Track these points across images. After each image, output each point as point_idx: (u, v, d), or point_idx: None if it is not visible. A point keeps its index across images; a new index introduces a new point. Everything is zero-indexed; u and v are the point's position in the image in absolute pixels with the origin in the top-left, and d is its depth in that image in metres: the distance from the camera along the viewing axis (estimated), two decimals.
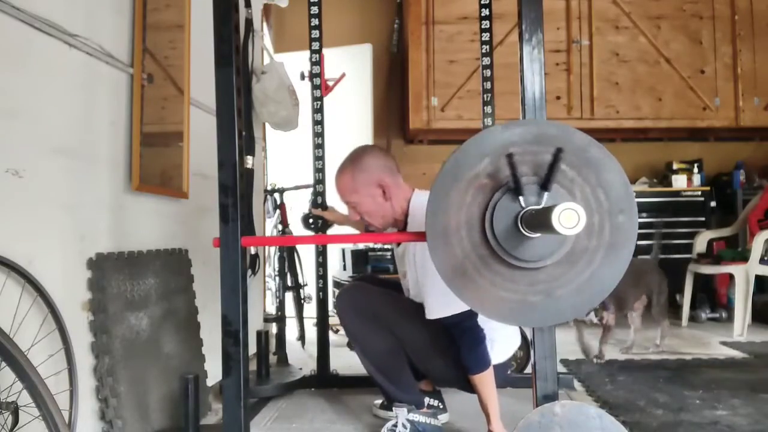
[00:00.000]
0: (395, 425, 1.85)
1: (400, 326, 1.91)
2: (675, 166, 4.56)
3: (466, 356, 1.77)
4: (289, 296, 3.38)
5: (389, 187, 1.87)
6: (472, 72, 4.33)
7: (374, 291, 2.03)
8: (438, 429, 1.92)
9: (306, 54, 2.70)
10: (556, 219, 0.92)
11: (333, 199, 2.74)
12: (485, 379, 1.77)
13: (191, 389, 1.71)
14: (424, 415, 1.91)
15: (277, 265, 3.36)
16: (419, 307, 1.86)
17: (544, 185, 1.06)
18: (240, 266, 1.39)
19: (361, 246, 3.86)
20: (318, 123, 2.63)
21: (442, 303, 1.76)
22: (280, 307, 3.19)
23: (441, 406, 2.11)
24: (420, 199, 1.89)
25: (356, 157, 1.89)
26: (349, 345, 2.27)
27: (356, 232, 2.46)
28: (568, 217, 0.92)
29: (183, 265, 2.23)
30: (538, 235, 1.04)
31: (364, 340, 1.96)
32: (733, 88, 4.43)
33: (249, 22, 2.91)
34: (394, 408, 1.89)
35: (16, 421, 1.21)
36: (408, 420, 1.86)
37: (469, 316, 1.77)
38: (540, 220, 0.99)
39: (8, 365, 1.08)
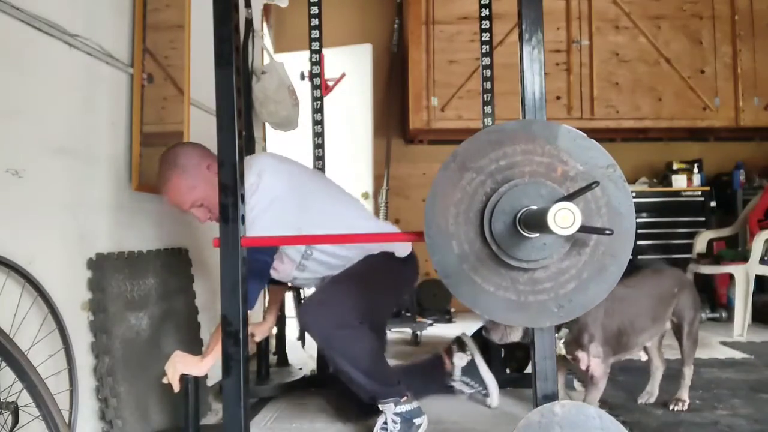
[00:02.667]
0: (385, 423, 1.85)
1: (374, 314, 1.89)
2: (675, 166, 4.56)
3: None
4: (289, 296, 3.38)
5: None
6: (472, 72, 4.33)
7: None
8: (419, 410, 1.90)
9: (306, 54, 2.70)
10: (551, 219, 0.92)
11: None
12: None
13: (191, 389, 1.71)
14: (407, 403, 1.89)
15: None
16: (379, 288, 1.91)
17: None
18: (240, 266, 1.39)
19: None
20: (318, 123, 2.63)
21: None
22: (280, 307, 3.19)
23: None
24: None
25: (170, 159, 1.79)
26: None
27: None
28: (564, 217, 0.92)
29: (183, 265, 2.23)
30: (536, 235, 1.04)
31: (348, 349, 1.85)
32: (733, 88, 4.43)
33: (249, 22, 2.91)
34: (380, 406, 1.87)
35: (16, 421, 1.21)
36: (395, 414, 1.85)
37: (261, 251, 1.74)
38: (536, 220, 0.99)
39: (8, 365, 1.08)
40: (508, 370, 2.52)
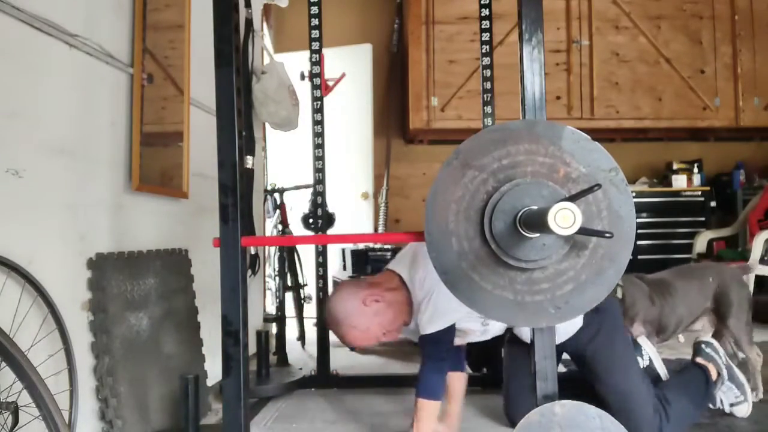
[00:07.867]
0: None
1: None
2: (675, 166, 4.57)
3: (420, 376, 1.74)
4: (289, 296, 3.38)
5: (375, 295, 1.76)
6: (472, 72, 4.33)
7: None
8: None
9: (306, 54, 2.70)
10: (552, 218, 0.92)
11: (332, 199, 2.74)
12: (424, 409, 1.71)
13: (191, 389, 1.71)
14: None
15: (277, 265, 3.36)
16: None
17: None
18: (240, 266, 1.39)
19: (361, 246, 3.87)
20: (318, 123, 2.63)
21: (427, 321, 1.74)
22: (280, 307, 3.19)
23: None
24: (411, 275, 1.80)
25: (334, 318, 1.78)
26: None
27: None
28: (564, 217, 0.92)
29: (183, 265, 2.23)
30: (536, 235, 1.04)
31: (684, 412, 1.90)
32: (733, 88, 4.43)
33: (249, 22, 2.90)
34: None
35: (16, 421, 1.21)
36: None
37: (437, 341, 1.74)
38: (537, 220, 0.99)
39: (8, 365, 1.08)
40: (485, 370, 2.51)
